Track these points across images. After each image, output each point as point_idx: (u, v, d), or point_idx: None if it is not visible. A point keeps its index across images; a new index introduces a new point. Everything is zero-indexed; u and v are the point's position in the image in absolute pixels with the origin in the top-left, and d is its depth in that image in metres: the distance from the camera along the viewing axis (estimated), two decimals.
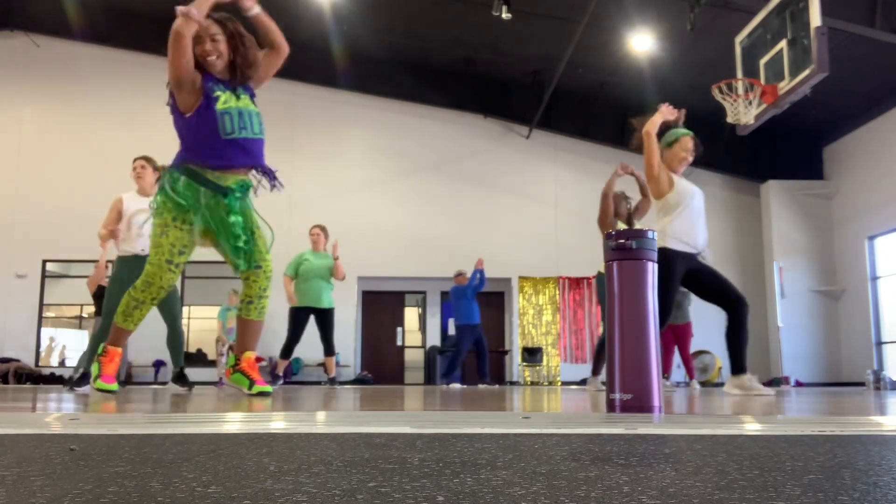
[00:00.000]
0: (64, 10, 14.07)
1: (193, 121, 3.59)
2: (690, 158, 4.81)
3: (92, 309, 10.80)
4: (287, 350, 8.11)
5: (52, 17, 14.48)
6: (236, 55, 3.66)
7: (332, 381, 8.31)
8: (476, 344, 10.36)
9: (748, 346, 4.66)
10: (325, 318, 8.11)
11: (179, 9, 3.42)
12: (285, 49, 3.82)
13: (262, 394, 3.78)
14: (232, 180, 3.63)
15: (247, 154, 3.65)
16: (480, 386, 10.08)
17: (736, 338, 4.65)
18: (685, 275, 4.67)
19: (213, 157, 3.58)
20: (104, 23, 14.72)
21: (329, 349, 8.11)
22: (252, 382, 3.82)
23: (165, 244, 3.59)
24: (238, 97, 3.66)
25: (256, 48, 3.75)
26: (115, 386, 3.80)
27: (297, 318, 8.09)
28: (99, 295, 10.10)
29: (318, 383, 12.75)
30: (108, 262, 10.07)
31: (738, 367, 4.71)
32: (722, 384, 13.69)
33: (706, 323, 11.77)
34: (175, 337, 5.97)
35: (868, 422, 1.86)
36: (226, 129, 3.57)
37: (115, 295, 5.49)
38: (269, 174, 3.78)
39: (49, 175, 14.68)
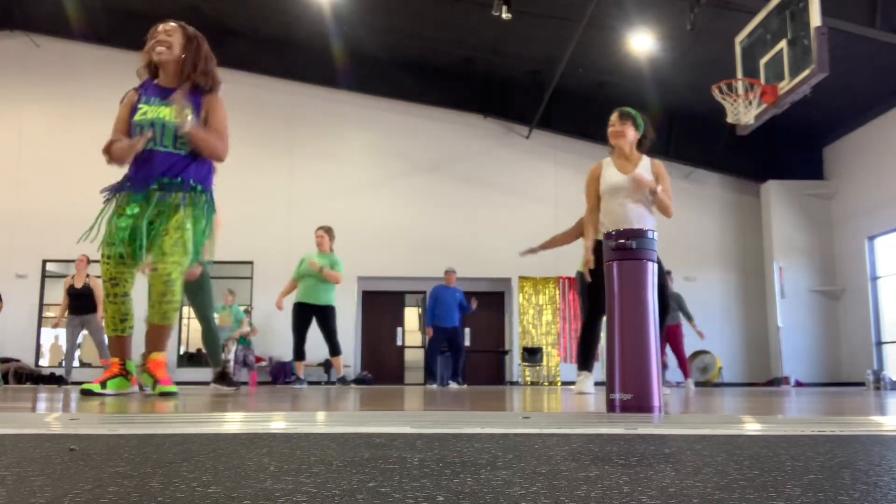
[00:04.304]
0: (64, 10, 14.06)
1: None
2: (612, 129, 5.20)
3: None
4: (296, 350, 8.04)
5: (52, 17, 14.47)
6: (188, 56, 3.76)
7: (342, 381, 8.26)
8: (450, 344, 10.70)
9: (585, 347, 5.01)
10: (322, 316, 8.04)
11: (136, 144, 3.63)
12: (219, 158, 3.86)
13: (165, 394, 3.76)
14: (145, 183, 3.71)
15: (152, 165, 3.67)
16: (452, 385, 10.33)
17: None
18: None
19: (131, 166, 3.74)
20: (104, 23, 14.71)
21: (332, 348, 8.05)
22: (156, 382, 3.82)
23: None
24: (160, 107, 3.70)
25: (213, 59, 3.85)
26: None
27: (294, 315, 8.05)
28: (74, 294, 9.93)
29: (319, 383, 12.74)
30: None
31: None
32: (722, 384, 13.70)
33: (706, 323, 11.78)
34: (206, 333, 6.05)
35: (868, 422, 1.86)
36: None
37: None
38: (185, 186, 3.71)
39: (49, 175, 14.68)
